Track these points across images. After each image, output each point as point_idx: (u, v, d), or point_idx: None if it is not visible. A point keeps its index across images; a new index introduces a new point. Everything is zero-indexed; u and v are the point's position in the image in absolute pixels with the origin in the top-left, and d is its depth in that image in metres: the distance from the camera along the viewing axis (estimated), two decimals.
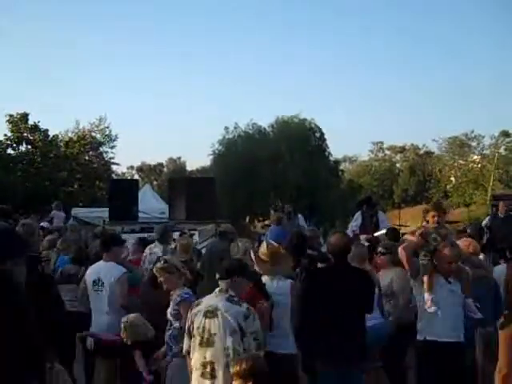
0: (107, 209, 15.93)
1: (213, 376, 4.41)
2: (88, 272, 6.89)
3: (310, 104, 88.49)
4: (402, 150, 73.68)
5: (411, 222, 20.08)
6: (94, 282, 6.70)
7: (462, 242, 6.42)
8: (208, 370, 4.43)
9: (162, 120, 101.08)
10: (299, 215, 12.58)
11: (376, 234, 10.10)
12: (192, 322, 4.60)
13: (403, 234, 14.12)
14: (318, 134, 44.25)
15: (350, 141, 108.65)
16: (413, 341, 5.83)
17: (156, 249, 8.82)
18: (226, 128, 43.21)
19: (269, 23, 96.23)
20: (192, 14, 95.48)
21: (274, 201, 41.16)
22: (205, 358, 4.45)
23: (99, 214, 17.97)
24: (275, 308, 5.37)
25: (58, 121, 65.82)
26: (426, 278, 5.42)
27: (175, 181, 18.93)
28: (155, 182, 64.13)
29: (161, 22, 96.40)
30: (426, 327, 5.49)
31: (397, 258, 6.75)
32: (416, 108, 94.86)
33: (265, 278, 5.61)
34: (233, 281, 4.72)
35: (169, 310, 5.50)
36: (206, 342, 4.46)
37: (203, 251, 11.02)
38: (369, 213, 11.38)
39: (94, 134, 39.67)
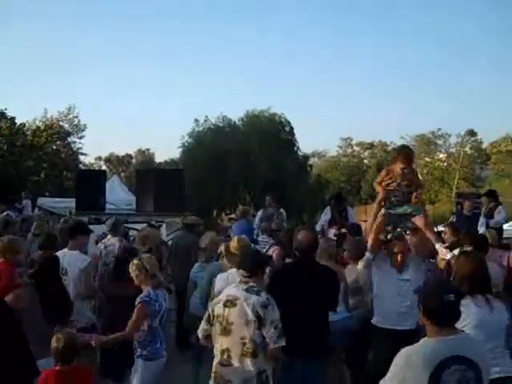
0: (74, 199, 15.81)
1: (228, 363, 4.53)
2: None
3: (280, 99, 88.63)
4: (371, 146, 74.32)
5: None
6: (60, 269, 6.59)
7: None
8: (225, 357, 4.55)
9: (132, 111, 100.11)
10: (281, 210, 12.59)
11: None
12: (212, 311, 4.68)
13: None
14: (287, 129, 44.37)
15: (319, 136, 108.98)
16: None
17: (110, 241, 8.53)
18: (196, 120, 43.14)
19: (243, 16, 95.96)
20: (163, 5, 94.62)
21: (242, 194, 41.23)
22: (222, 345, 4.57)
23: (66, 204, 17.82)
24: None
25: (26, 109, 64.97)
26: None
27: (143, 172, 18.87)
28: (123, 174, 63.59)
29: (132, 13, 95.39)
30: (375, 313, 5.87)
31: (360, 253, 6.89)
32: (385, 105, 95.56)
33: (234, 271, 5.67)
34: (258, 275, 4.80)
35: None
36: (225, 331, 4.56)
37: (170, 243, 11.06)
38: (338, 208, 11.46)
39: (62, 123, 39.24)
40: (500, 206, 11.85)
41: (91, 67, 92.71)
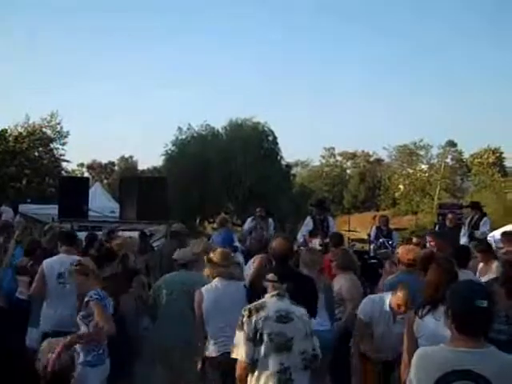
0: (56, 206, 15.71)
1: (290, 380, 4.30)
2: (48, 265, 6.65)
3: (264, 108, 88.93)
4: (353, 156, 74.76)
5: (360, 227, 20.40)
6: (59, 274, 6.51)
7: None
8: (287, 375, 4.29)
9: (115, 118, 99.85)
10: (270, 219, 12.62)
11: None
12: (257, 329, 4.32)
13: (352, 240, 14.46)
14: (270, 138, 44.43)
15: (302, 146, 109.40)
16: None
17: None
18: (180, 129, 43.05)
19: (227, 24, 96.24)
20: (147, 11, 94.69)
21: (225, 203, 41.19)
22: (282, 364, 4.30)
23: (48, 211, 17.71)
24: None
25: (7, 115, 64.46)
26: None
27: (126, 180, 18.79)
28: (106, 181, 63.36)
29: (118, 17, 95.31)
30: None
31: (346, 263, 6.93)
32: (368, 115, 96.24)
33: (216, 280, 5.70)
34: (288, 285, 4.69)
35: (78, 315, 5.38)
36: (283, 347, 4.31)
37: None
38: (319, 217, 11.51)
39: (44, 129, 38.97)
40: (485, 218, 11.98)
41: (74, 73, 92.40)
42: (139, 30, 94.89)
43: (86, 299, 5.27)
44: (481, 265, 7.78)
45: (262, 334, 4.31)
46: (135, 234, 11.49)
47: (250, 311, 4.40)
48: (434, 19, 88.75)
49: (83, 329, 5.26)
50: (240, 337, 4.37)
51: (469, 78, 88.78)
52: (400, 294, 5.51)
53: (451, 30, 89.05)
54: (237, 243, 10.83)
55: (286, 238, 6.12)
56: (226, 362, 5.26)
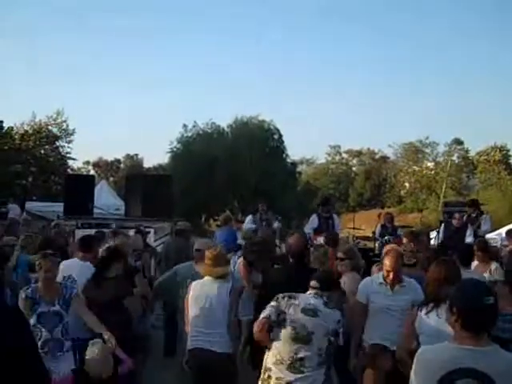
0: (62, 203, 15.77)
1: (302, 372, 4.37)
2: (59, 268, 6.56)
3: (269, 105, 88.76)
4: (359, 154, 74.61)
5: (365, 225, 20.34)
6: (64, 278, 6.43)
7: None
8: (297, 365, 4.38)
9: (121, 116, 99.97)
10: (270, 213, 12.66)
11: None
12: (281, 311, 4.45)
13: (357, 237, 14.42)
14: (276, 136, 44.49)
15: (307, 143, 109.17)
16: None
17: None
18: (185, 126, 43.15)
19: (234, 22, 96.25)
20: (150, 11, 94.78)
21: (230, 200, 41.21)
22: (296, 353, 4.39)
23: (54, 208, 17.76)
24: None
25: (14, 112, 64.59)
26: None
27: (132, 177, 18.83)
28: (112, 179, 63.41)
29: (122, 17, 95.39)
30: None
31: (355, 263, 6.90)
32: (374, 112, 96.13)
33: (206, 279, 5.76)
34: (333, 293, 4.73)
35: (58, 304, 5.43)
36: (302, 339, 4.39)
37: (159, 249, 11.06)
38: (325, 215, 11.49)
39: (50, 127, 39.01)
40: (484, 215, 11.93)
41: (80, 71, 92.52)
42: (144, 29, 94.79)
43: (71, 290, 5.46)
44: (476, 263, 7.72)
45: (285, 320, 4.42)
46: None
47: (283, 297, 4.53)
48: (436, 19, 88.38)
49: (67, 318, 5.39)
50: (266, 308, 4.51)
51: (475, 76, 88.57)
52: (386, 261, 5.59)
53: (453, 28, 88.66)
54: (241, 241, 10.84)
55: (302, 235, 6.12)
56: (197, 356, 5.53)
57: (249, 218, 12.42)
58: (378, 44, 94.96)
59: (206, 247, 6.57)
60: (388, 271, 5.54)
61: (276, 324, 4.44)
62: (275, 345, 4.45)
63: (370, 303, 5.70)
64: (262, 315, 4.47)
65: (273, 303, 4.51)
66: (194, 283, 5.83)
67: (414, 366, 3.11)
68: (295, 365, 4.37)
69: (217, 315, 5.57)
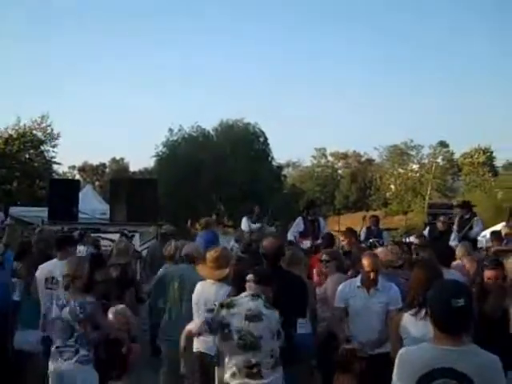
0: (46, 208, 15.66)
1: (260, 377, 4.45)
2: (40, 270, 6.68)
3: (254, 108, 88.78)
4: (345, 156, 74.85)
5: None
6: (46, 279, 6.54)
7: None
8: (255, 371, 4.45)
9: (106, 120, 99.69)
10: (265, 218, 12.69)
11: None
12: (223, 322, 4.53)
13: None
14: (261, 139, 44.59)
15: (293, 146, 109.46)
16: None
17: (78, 249, 8.42)
18: (171, 130, 43.12)
19: (219, 24, 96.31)
20: (135, 12, 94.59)
21: (216, 204, 41.18)
22: (250, 360, 4.46)
23: (38, 213, 17.63)
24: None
25: None
26: None
27: (117, 182, 18.75)
28: (97, 183, 63.25)
29: (110, 20, 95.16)
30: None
31: (340, 265, 6.93)
32: (359, 115, 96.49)
33: (207, 281, 5.77)
34: (266, 288, 4.78)
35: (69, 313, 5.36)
36: (250, 345, 4.46)
37: (144, 253, 11.03)
38: (310, 218, 11.49)
39: (35, 131, 38.79)
40: (476, 217, 11.99)
41: (65, 75, 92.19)
42: (130, 32, 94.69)
43: (85, 306, 5.30)
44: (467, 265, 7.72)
45: (230, 331, 4.49)
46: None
47: (221, 305, 4.61)
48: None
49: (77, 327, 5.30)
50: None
51: (459, 79, 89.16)
52: (364, 261, 5.64)
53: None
54: (231, 244, 10.88)
55: (277, 237, 6.16)
56: (201, 358, 5.53)
57: (245, 220, 12.39)
58: (365, 46, 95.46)
59: (195, 251, 6.63)
60: (368, 272, 5.58)
61: (223, 338, 4.54)
62: (227, 359, 4.54)
63: (348, 307, 5.75)
64: (202, 322, 4.69)
65: (214, 315, 4.62)
66: (197, 285, 5.82)
67: (395, 367, 3.13)
68: (253, 371, 4.44)
69: None
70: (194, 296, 5.77)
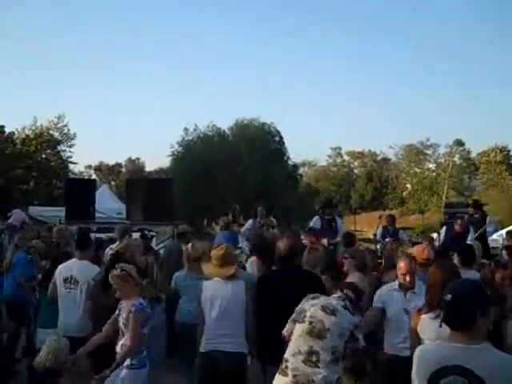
0: (63, 208, 15.79)
1: (317, 365, 4.49)
2: (59, 269, 6.71)
3: (270, 108, 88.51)
4: (360, 155, 74.55)
5: (367, 227, 20.35)
6: (65, 279, 6.55)
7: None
8: (314, 359, 4.50)
9: (122, 120, 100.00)
10: (272, 219, 12.68)
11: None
12: (303, 309, 4.68)
13: (359, 239, 14.42)
14: (277, 138, 44.51)
15: (308, 145, 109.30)
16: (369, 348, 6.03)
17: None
18: (186, 129, 43.13)
19: (234, 23, 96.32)
20: (141, 10, 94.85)
21: (232, 203, 41.22)
22: (312, 346, 4.53)
23: (55, 213, 17.80)
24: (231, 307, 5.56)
25: (15, 117, 64.65)
26: None
27: (133, 181, 18.89)
28: (113, 182, 63.47)
29: (121, 18, 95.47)
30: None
31: (360, 263, 6.90)
32: (375, 114, 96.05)
33: (216, 279, 5.72)
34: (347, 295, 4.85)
35: (120, 319, 5.45)
36: (317, 334, 4.54)
37: (161, 252, 11.07)
38: (327, 217, 11.50)
39: (51, 131, 39.10)
40: (488, 217, 11.91)
41: (81, 76, 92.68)
42: (144, 30, 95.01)
43: (131, 308, 5.36)
44: None
45: (305, 316, 4.61)
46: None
47: (307, 298, 4.76)
48: (435, 19, 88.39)
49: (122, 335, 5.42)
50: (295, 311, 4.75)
51: (474, 77, 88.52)
52: (401, 263, 5.60)
53: (454, 28, 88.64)
54: (242, 244, 10.86)
55: (292, 238, 6.15)
56: (216, 359, 5.50)
57: (249, 222, 12.42)
58: (378, 44, 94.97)
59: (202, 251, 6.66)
60: (403, 274, 5.56)
61: (297, 321, 4.66)
62: (294, 338, 4.62)
63: (385, 309, 5.71)
64: (289, 321, 4.75)
65: (299, 306, 4.74)
66: (205, 284, 5.77)
67: (413, 365, 3.21)
68: (311, 358, 4.49)
69: (235, 316, 5.55)
70: (205, 296, 5.68)
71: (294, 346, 4.59)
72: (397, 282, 5.74)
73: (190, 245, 7.30)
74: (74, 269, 6.60)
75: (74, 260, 6.82)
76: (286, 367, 4.53)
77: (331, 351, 4.51)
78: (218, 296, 5.61)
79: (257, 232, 10.63)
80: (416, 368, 3.17)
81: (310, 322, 4.58)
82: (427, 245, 7.72)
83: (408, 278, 5.55)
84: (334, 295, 4.85)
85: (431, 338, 4.36)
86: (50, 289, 6.82)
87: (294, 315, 4.73)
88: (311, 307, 4.66)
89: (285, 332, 4.77)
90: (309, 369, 4.47)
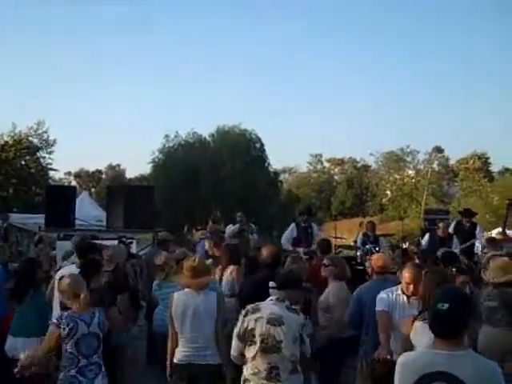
0: (43, 215, 15.67)
1: (278, 380, 4.55)
2: (57, 276, 6.54)
3: (251, 115, 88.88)
4: (341, 162, 74.94)
5: (347, 234, 20.39)
6: None
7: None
8: (273, 374, 4.55)
9: (102, 126, 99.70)
10: (251, 224, 12.70)
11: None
12: (248, 329, 4.65)
13: (339, 246, 14.46)
14: (258, 145, 44.54)
15: (289, 152, 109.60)
16: (348, 354, 6.06)
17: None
18: (167, 136, 43.03)
19: (215, 30, 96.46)
20: (129, 21, 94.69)
21: (213, 210, 41.15)
22: (270, 363, 4.56)
23: (35, 220, 17.65)
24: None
25: None
26: None
27: (114, 188, 18.75)
28: (93, 189, 63.19)
29: (101, 25, 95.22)
30: None
31: (339, 272, 6.91)
32: (355, 121, 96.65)
33: (187, 291, 5.68)
34: (292, 292, 4.87)
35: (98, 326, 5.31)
36: (272, 349, 4.56)
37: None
38: (304, 225, 11.54)
39: (31, 138, 38.78)
40: (479, 226, 12.04)
41: (61, 82, 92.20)
42: (127, 36, 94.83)
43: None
44: None
45: (253, 335, 4.62)
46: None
47: (247, 311, 4.74)
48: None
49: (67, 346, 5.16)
50: (234, 333, 4.78)
51: (455, 85, 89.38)
52: (406, 273, 5.55)
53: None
54: None
55: (276, 246, 6.20)
56: (188, 370, 5.49)
57: (228, 227, 12.46)
58: (359, 50, 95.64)
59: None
60: (408, 283, 5.50)
61: (248, 343, 4.65)
62: (249, 359, 4.65)
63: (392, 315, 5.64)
64: (235, 337, 4.76)
65: (240, 321, 4.74)
66: (175, 295, 5.71)
67: (395, 372, 3.22)
68: (271, 374, 4.54)
69: (206, 327, 5.51)
70: (176, 307, 5.60)
71: (253, 367, 4.62)
72: (399, 287, 5.64)
73: (163, 253, 7.34)
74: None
75: (73, 267, 6.68)
76: None
77: (290, 360, 4.57)
78: (189, 307, 5.55)
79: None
80: (400, 375, 3.19)
81: (262, 341, 4.58)
82: (396, 253, 7.77)
83: (411, 288, 5.46)
84: (271, 297, 4.83)
85: (423, 345, 4.39)
86: (48, 295, 6.90)
87: (237, 332, 4.72)
88: (256, 323, 4.63)
89: (234, 352, 4.78)
90: None
